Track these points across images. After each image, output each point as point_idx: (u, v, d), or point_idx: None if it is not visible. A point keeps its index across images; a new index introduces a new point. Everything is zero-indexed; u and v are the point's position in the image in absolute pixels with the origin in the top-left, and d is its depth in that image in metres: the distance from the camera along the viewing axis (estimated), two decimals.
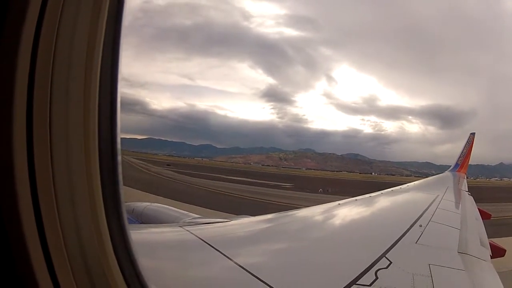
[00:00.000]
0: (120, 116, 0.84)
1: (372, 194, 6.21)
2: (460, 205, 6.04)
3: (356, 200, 5.49)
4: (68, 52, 0.76)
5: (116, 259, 0.85)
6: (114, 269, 0.84)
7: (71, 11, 0.75)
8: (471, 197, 7.74)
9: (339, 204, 4.87)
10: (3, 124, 0.69)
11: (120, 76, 0.83)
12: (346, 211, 4.72)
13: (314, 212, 4.43)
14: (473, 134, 15.36)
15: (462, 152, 14.73)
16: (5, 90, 0.69)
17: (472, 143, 14.96)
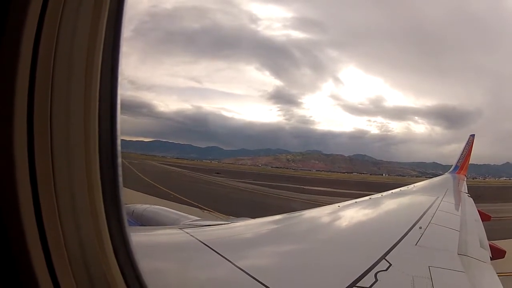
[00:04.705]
0: (120, 117, 0.84)
1: (372, 196, 6.22)
2: (460, 206, 6.05)
3: (355, 202, 5.50)
4: (69, 53, 0.76)
5: (116, 260, 0.85)
6: (114, 270, 0.84)
7: (72, 12, 0.76)
8: (471, 198, 7.76)
9: (338, 206, 4.87)
10: (4, 125, 0.70)
11: (120, 77, 0.84)
12: (346, 213, 4.72)
13: (314, 215, 4.43)
14: (472, 135, 15.37)
15: (461, 153, 14.73)
16: (6, 91, 0.70)
17: (472, 144, 14.97)
